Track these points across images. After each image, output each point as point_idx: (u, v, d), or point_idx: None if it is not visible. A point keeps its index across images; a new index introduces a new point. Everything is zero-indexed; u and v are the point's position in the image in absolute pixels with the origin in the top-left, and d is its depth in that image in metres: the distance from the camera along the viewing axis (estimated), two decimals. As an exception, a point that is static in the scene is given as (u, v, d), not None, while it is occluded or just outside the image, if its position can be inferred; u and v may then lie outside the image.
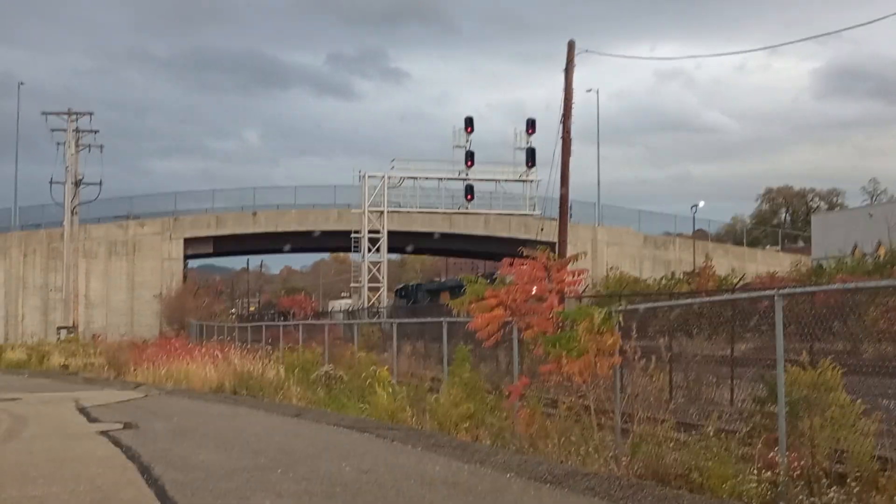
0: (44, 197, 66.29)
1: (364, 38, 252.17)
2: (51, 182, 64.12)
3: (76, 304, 65.91)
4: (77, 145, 63.72)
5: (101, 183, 64.93)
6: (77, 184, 64.03)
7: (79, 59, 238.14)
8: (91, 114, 64.73)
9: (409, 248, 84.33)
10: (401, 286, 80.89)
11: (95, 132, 64.46)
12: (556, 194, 37.39)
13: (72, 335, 60.67)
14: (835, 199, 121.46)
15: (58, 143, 63.94)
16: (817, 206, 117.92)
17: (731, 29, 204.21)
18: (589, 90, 73.79)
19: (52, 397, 26.83)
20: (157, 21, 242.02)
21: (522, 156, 67.38)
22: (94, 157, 65.14)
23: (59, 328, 63.40)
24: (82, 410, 22.12)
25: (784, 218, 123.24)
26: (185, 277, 74.84)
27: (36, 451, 14.66)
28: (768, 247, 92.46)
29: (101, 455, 14.16)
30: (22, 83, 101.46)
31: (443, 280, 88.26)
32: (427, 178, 69.48)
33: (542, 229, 48.53)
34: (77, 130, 63.66)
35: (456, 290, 69.83)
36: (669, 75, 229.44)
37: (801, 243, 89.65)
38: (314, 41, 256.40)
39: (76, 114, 63.97)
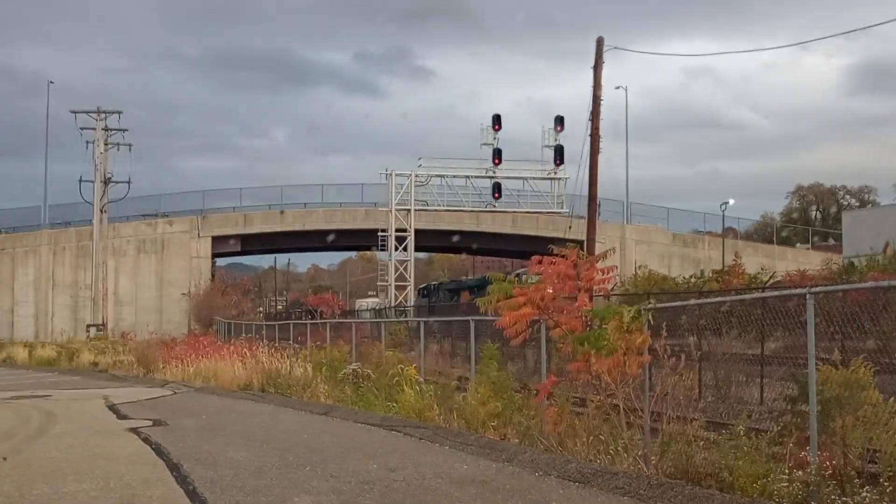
0: (73, 195, 66.83)
1: (390, 36, 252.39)
2: (80, 180, 64.75)
3: (105, 301, 66.34)
4: (106, 144, 64.14)
5: (129, 181, 65.48)
6: (106, 182, 64.45)
7: (108, 57, 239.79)
8: (120, 112, 65.17)
9: (437, 247, 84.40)
10: (423, 286, 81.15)
11: (124, 131, 65.00)
12: (585, 192, 37.29)
13: (101, 333, 61.14)
14: (866, 197, 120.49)
15: (87, 142, 64.42)
16: (848, 204, 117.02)
17: (760, 26, 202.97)
18: (618, 87, 73.72)
19: (82, 394, 27.02)
20: (186, 20, 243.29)
21: (550, 153, 67.43)
22: (122, 156, 66.02)
23: (88, 326, 63.92)
24: (112, 407, 22.25)
25: (815, 215, 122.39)
26: (213, 275, 75.27)
27: (66, 447, 14.76)
28: (798, 245, 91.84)
29: (130, 452, 14.25)
30: (51, 82, 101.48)
31: (462, 279, 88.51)
32: (454, 176, 69.54)
33: (570, 227, 48.51)
34: (106, 129, 64.08)
35: (475, 288, 70.23)
36: (697, 72, 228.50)
37: (831, 241, 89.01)
38: (341, 39, 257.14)
39: (105, 112, 64.37)
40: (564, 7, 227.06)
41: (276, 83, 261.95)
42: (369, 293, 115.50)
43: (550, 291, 15.16)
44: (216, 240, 73.57)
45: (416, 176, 68.63)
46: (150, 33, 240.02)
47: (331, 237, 74.77)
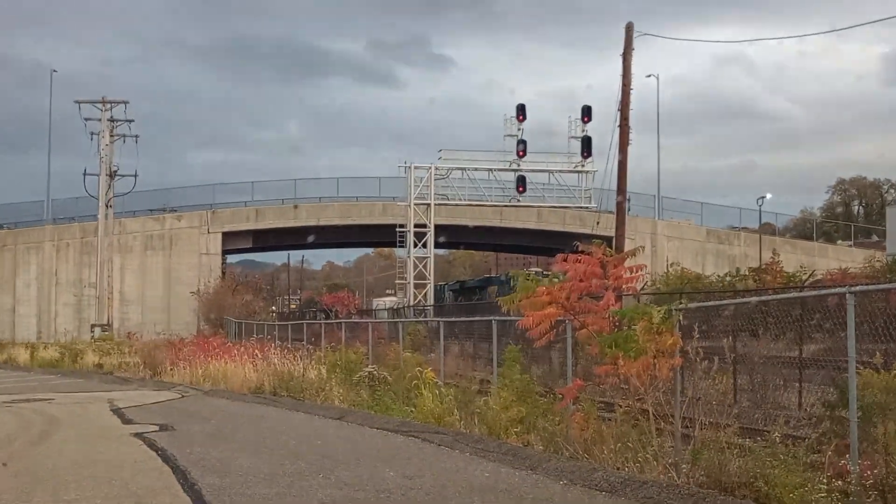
0: (77, 189, 67.13)
1: (406, 23, 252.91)
2: (84, 174, 64.84)
3: (111, 300, 66.61)
4: (111, 135, 64.29)
5: (136, 175, 65.57)
6: (112, 175, 64.63)
7: (112, 47, 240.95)
8: (126, 102, 65.27)
9: (457, 243, 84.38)
10: None
11: (130, 122, 65.11)
12: (613, 185, 37.24)
13: (106, 333, 61.42)
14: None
15: (91, 134, 64.60)
16: (893, 198, 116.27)
17: (792, 13, 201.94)
18: (649, 76, 73.30)
19: (86, 398, 27.16)
20: (193, 8, 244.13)
21: (577, 145, 67.03)
22: (129, 148, 65.73)
23: (93, 326, 64.19)
24: (116, 411, 22.37)
25: (857, 211, 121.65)
26: (223, 273, 75.34)
27: (69, 453, 14.83)
28: (840, 242, 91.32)
29: (135, 458, 14.30)
30: (55, 71, 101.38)
31: (465, 280, 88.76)
32: (476, 169, 69.26)
33: (598, 223, 48.39)
34: (111, 120, 64.25)
35: (477, 289, 70.20)
36: (729, 60, 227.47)
37: (875, 238, 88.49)
38: (354, 27, 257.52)
39: (110, 102, 64.51)
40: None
41: (287, 73, 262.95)
42: (387, 291, 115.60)
43: (576, 290, 15.11)
44: (227, 236, 73.64)
45: (436, 169, 68.40)
46: (155, 22, 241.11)
47: (347, 233, 74.73)
